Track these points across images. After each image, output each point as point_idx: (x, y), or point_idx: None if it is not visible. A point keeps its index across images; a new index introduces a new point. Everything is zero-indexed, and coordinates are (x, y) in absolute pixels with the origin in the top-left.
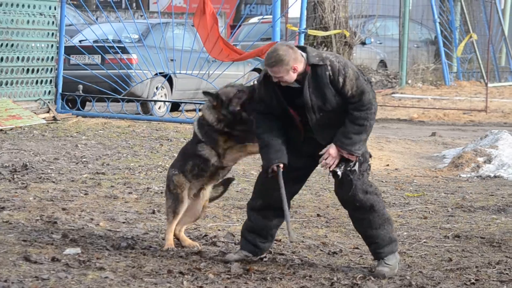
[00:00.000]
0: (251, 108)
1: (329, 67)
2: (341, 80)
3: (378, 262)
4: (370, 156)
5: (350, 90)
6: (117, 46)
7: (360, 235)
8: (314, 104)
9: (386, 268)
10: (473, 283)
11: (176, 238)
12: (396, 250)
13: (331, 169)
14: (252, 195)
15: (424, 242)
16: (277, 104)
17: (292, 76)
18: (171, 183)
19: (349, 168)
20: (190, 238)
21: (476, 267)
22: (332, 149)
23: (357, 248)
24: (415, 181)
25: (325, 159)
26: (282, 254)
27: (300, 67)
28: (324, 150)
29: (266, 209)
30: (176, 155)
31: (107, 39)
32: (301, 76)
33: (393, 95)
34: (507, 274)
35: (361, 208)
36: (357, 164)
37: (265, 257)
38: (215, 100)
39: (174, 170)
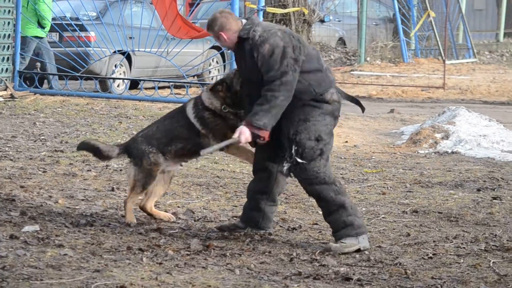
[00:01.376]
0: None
1: (250, 41)
2: (255, 54)
3: None
4: (318, 140)
5: (260, 65)
6: (75, 24)
7: None
8: (242, 74)
9: (336, 244)
10: (431, 257)
11: (148, 213)
12: (354, 234)
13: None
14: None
15: (383, 217)
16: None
17: (223, 43)
18: (146, 159)
19: (288, 162)
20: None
21: (434, 241)
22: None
23: (316, 224)
24: (373, 157)
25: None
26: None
27: (231, 36)
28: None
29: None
30: (135, 132)
31: (65, 16)
32: (236, 46)
33: (351, 72)
34: (464, 248)
35: (312, 196)
36: (293, 155)
37: (225, 232)
38: (220, 85)
39: (150, 147)
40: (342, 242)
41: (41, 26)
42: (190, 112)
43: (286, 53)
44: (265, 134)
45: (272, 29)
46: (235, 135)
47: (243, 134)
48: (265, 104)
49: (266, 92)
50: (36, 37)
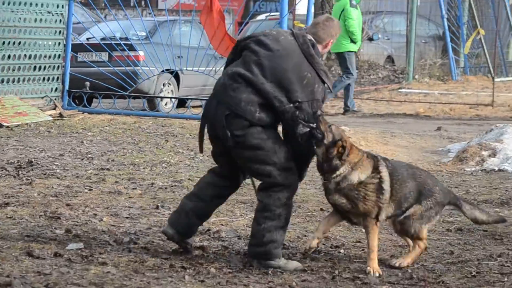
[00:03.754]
0: None
1: None
2: None
3: None
4: None
5: None
6: (124, 44)
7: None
8: None
9: None
10: (474, 276)
11: None
12: None
13: None
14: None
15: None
16: None
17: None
18: None
19: None
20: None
21: (478, 259)
22: None
23: (359, 241)
24: None
25: None
26: (285, 248)
27: None
28: None
29: None
30: (181, 150)
31: (114, 36)
32: None
33: (399, 90)
34: (508, 266)
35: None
36: None
37: None
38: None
39: None
40: None
41: (352, 41)
42: None
43: None
44: None
45: None
46: None
47: None
48: None
49: None
50: (349, 51)
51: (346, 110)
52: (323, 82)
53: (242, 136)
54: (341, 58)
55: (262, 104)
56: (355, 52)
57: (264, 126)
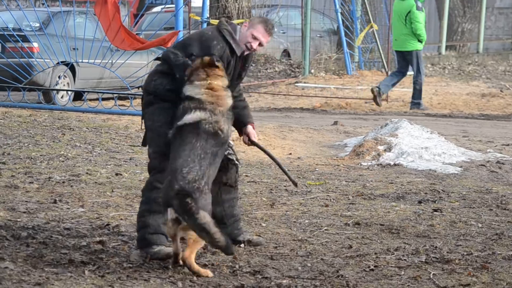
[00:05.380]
0: None
1: None
2: (249, 60)
3: None
4: None
5: (245, 71)
6: (17, 35)
7: None
8: (236, 80)
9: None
10: (372, 270)
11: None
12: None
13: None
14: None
15: (325, 229)
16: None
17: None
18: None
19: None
20: (92, 228)
21: (375, 253)
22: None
23: (259, 235)
24: (317, 169)
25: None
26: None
27: None
28: (250, 131)
29: None
30: (78, 144)
31: (7, 27)
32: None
33: (296, 84)
34: (405, 260)
35: None
36: None
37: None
38: None
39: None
40: None
41: (419, 40)
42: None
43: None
44: None
45: None
46: (256, 138)
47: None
48: (248, 105)
49: (245, 97)
50: (417, 50)
51: (416, 104)
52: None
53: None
54: (410, 56)
55: (162, 72)
56: (421, 50)
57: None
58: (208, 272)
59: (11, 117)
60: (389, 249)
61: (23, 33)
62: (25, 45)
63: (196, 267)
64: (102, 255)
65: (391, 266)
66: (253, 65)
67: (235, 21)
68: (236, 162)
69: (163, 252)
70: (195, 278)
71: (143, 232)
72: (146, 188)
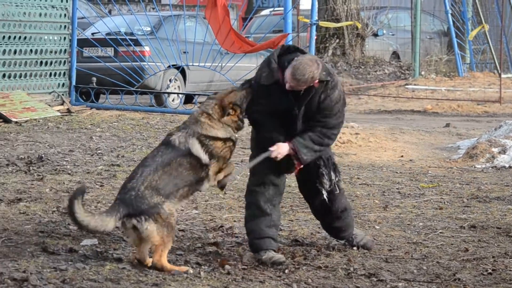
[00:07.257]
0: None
1: (324, 83)
2: (322, 96)
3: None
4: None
5: (323, 107)
6: (129, 39)
7: None
8: (307, 113)
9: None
10: (490, 273)
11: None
12: None
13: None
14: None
15: (440, 232)
16: (284, 106)
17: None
18: (161, 214)
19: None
20: (206, 230)
21: (493, 257)
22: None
23: (374, 239)
24: (429, 172)
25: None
26: (300, 245)
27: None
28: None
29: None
30: None
31: (120, 31)
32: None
33: (406, 86)
34: None
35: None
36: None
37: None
38: (233, 109)
39: (160, 197)
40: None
41: None
42: (199, 148)
43: (345, 103)
44: (299, 167)
45: (335, 74)
46: (273, 147)
47: (281, 150)
48: (317, 145)
49: (324, 138)
50: None
51: None
52: None
53: None
54: None
55: None
56: None
57: None
58: (185, 268)
59: (125, 120)
60: (507, 253)
61: (135, 37)
62: (137, 48)
63: (169, 266)
64: (216, 257)
65: (510, 270)
66: (363, 67)
67: (345, 23)
68: None
69: (271, 260)
70: (310, 280)
71: (250, 237)
72: (246, 192)
